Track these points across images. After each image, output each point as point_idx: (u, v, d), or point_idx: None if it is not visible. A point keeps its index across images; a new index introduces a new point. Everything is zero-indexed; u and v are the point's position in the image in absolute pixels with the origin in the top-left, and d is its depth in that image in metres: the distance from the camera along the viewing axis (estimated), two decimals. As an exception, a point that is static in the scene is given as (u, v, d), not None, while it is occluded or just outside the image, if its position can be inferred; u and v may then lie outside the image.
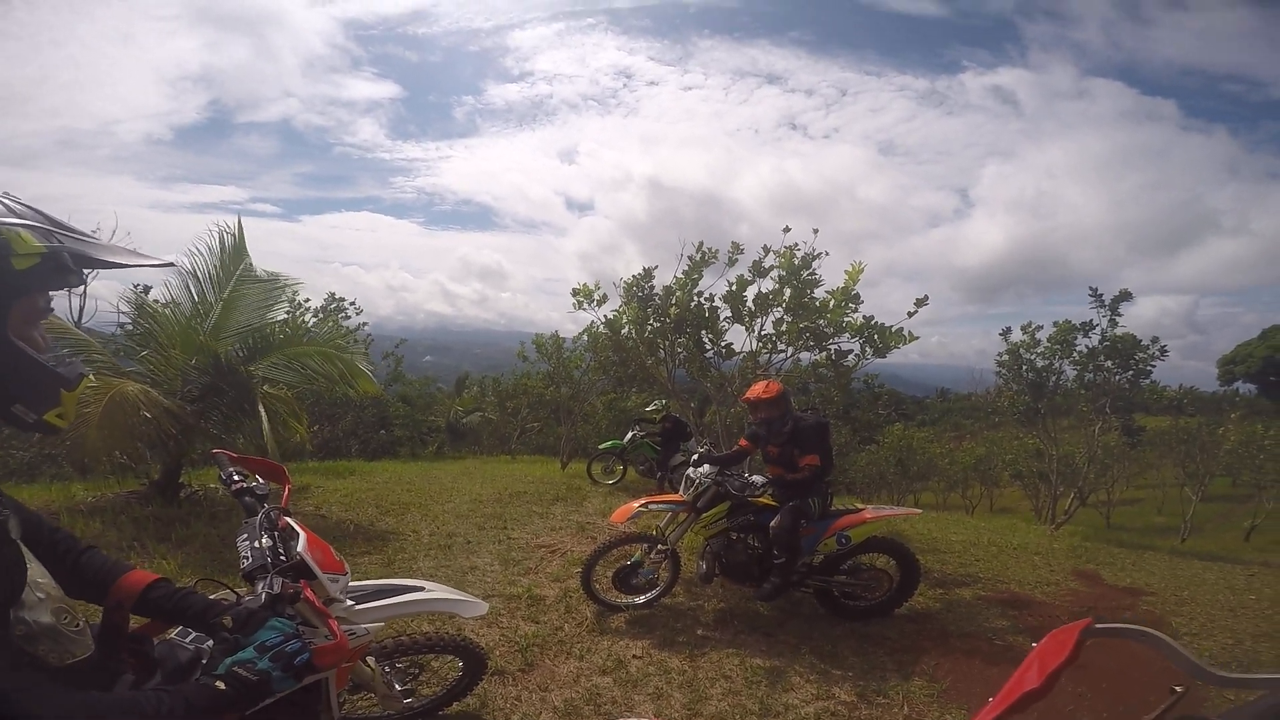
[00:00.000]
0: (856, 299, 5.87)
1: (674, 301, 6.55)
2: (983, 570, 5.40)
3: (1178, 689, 0.68)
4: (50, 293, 0.91)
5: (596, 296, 7.09)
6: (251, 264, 5.68)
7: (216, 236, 5.58)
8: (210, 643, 1.28)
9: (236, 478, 1.61)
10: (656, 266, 6.88)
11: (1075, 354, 8.34)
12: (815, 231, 6.14)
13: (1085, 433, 9.15)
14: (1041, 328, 8.71)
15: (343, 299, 13.40)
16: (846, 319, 5.92)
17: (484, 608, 2.26)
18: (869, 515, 4.01)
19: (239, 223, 5.66)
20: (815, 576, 3.99)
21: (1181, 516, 14.68)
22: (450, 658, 2.70)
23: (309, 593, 1.34)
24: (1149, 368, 8.09)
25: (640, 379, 8.55)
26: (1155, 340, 8.06)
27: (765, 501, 4.04)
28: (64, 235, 0.88)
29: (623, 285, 6.91)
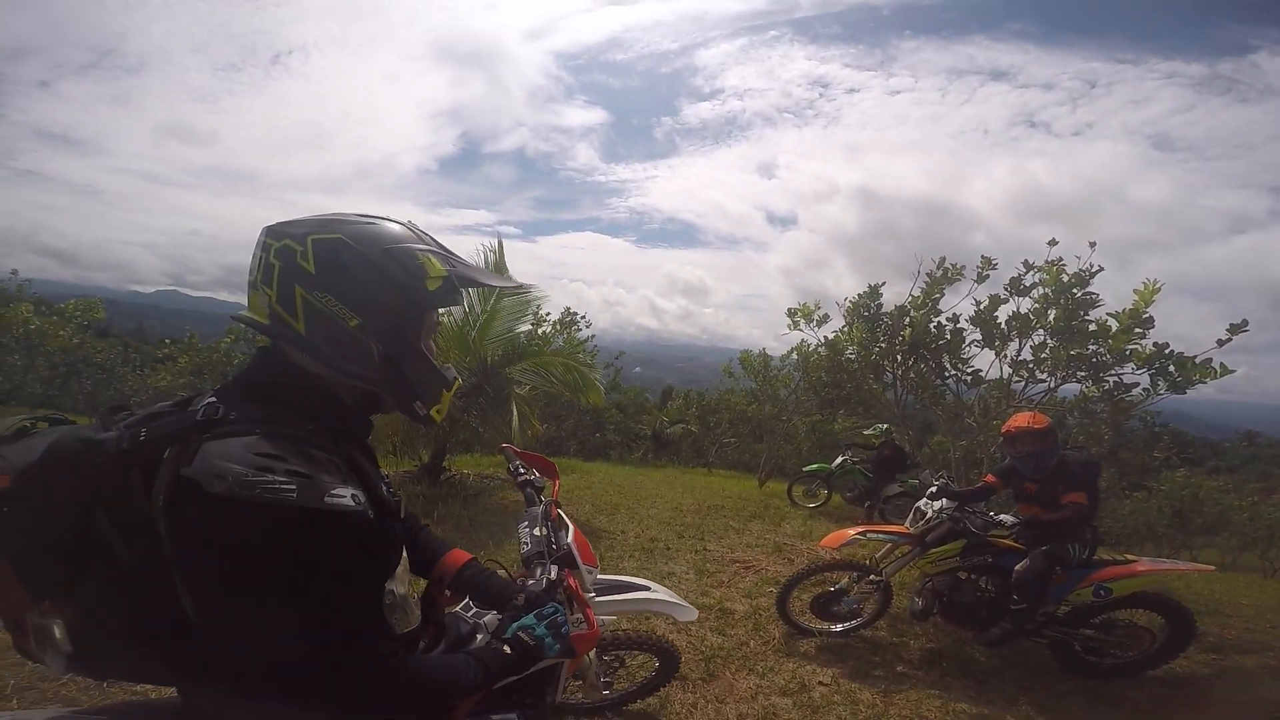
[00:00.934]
0: (1147, 323, 4.80)
1: (908, 322, 6.05)
2: (1277, 638, 4.30)
3: None
4: (440, 309, 1.08)
5: (817, 316, 6.84)
6: (511, 278, 6.71)
7: (481, 254, 6.71)
8: (485, 618, 1.48)
9: (522, 470, 1.83)
10: (884, 283, 6.41)
11: None
12: (1092, 245, 5.16)
13: None
14: None
15: (575, 313, 15.04)
16: (1131, 346, 4.86)
17: (695, 614, 2.32)
18: (1141, 568, 3.44)
19: (499, 243, 6.70)
20: (1055, 628, 3.51)
21: None
22: (647, 656, 2.84)
23: (572, 581, 1.53)
24: None
25: (854, 402, 8.04)
26: None
27: (1009, 544, 3.62)
28: (455, 261, 1.05)
29: (847, 304, 6.57)
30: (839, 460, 8.46)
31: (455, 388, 1.14)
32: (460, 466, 8.03)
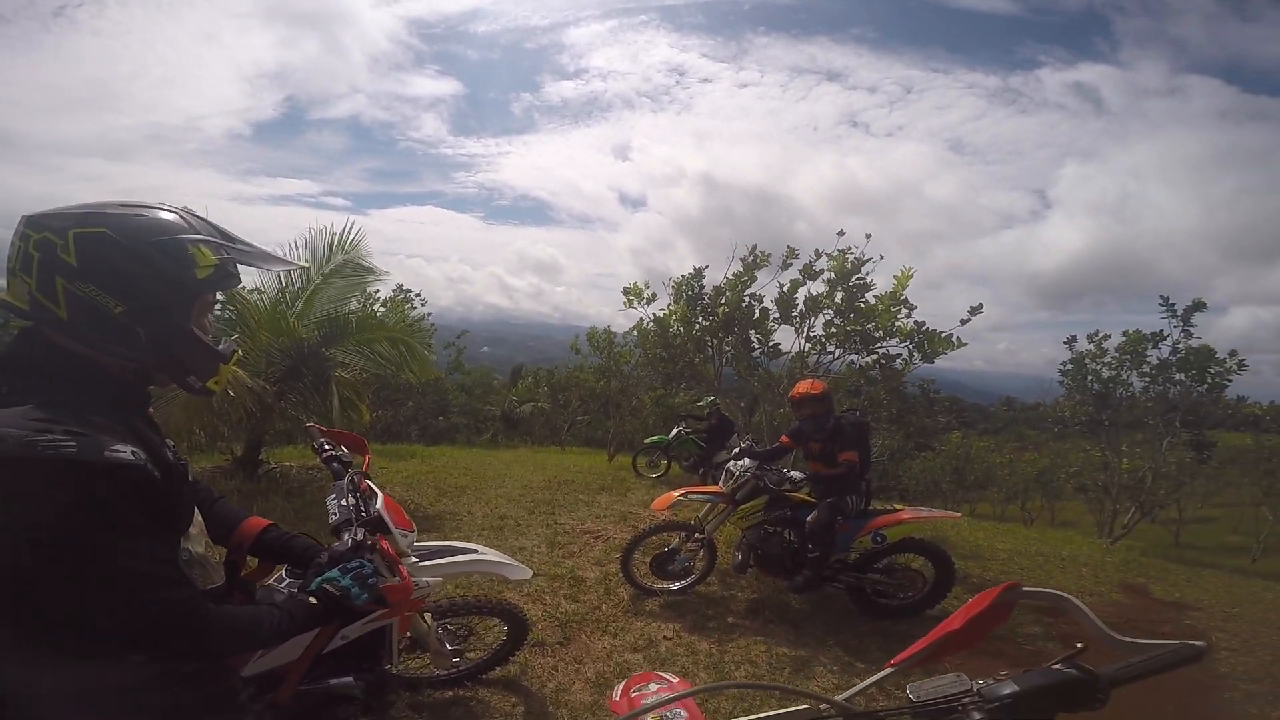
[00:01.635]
0: (906, 304, 5.84)
1: (723, 301, 6.67)
2: (1024, 578, 5.29)
3: (1079, 645, 0.81)
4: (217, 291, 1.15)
5: (646, 295, 7.28)
6: (359, 258, 6.22)
7: (314, 232, 6.15)
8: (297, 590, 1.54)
9: (327, 446, 1.87)
10: (707, 266, 7.03)
11: (1145, 366, 7.98)
12: (868, 237, 6.15)
13: (1153, 446, 8.78)
14: (1109, 337, 8.38)
15: (409, 290, 14.13)
16: (896, 323, 5.88)
17: (528, 573, 2.48)
18: (906, 516, 4.06)
19: (349, 222, 6.29)
20: (848, 573, 4.05)
21: (1255, 537, 13.87)
22: (495, 624, 2.94)
23: (384, 544, 1.58)
24: (1225, 381, 7.65)
25: (688, 376, 8.73)
26: (1234, 354, 7.63)
27: (802, 497, 4.14)
28: (229, 247, 1.10)
29: (672, 284, 7.08)
30: (675, 432, 9.13)
31: (234, 358, 1.19)
32: (281, 459, 7.30)
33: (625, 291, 7.36)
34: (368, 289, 6.67)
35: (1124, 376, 8.26)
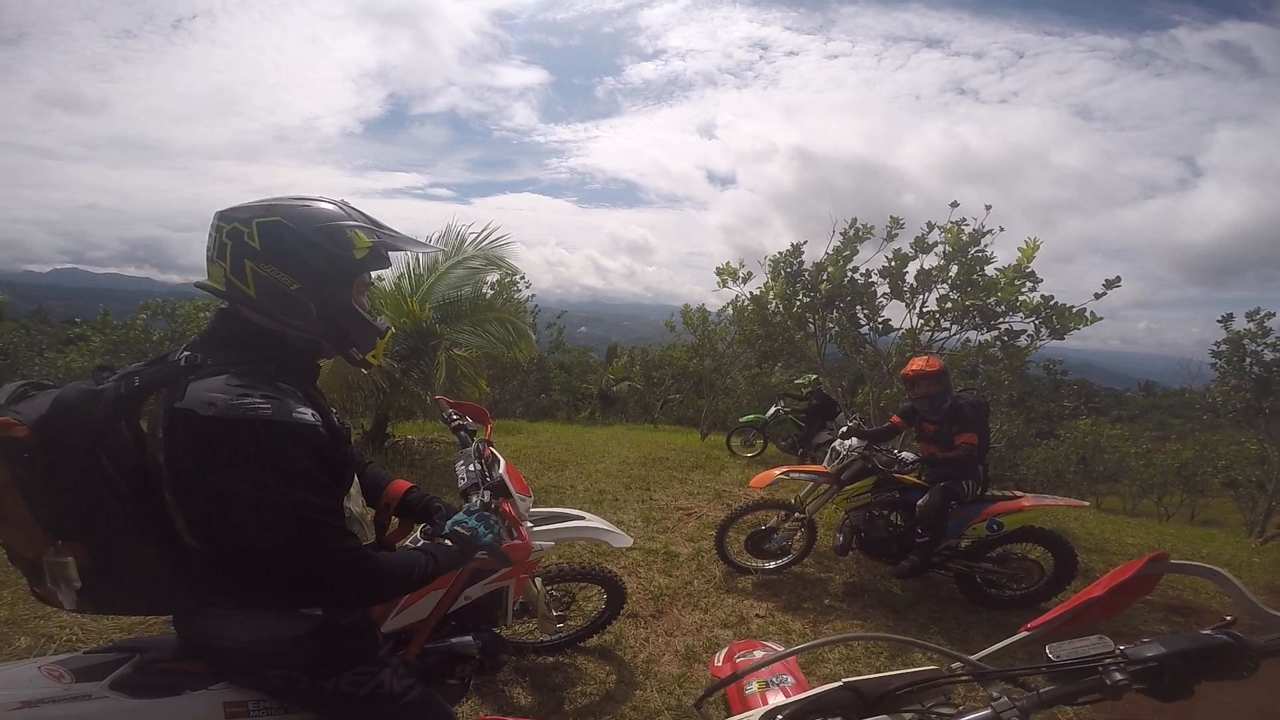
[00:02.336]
0: (1032, 277, 5.33)
1: (825, 277, 6.42)
2: None
3: (1228, 618, 0.76)
4: (372, 271, 1.29)
5: (742, 274, 7.15)
6: (499, 259, 6.74)
7: (449, 227, 6.74)
8: None
9: (454, 416, 2.01)
10: (805, 241, 6.78)
11: None
12: (987, 208, 5.66)
13: None
14: (1274, 315, 7.34)
15: (513, 274, 14.82)
16: (1021, 297, 5.39)
17: (629, 540, 2.58)
18: (1027, 503, 3.80)
19: (489, 225, 6.94)
20: (959, 560, 3.86)
21: None
22: (596, 592, 3.07)
23: (506, 507, 1.70)
24: None
25: (786, 354, 8.52)
26: None
27: (913, 480, 3.98)
28: (380, 232, 1.24)
29: (769, 261, 6.90)
30: (772, 410, 8.94)
31: (389, 336, 1.35)
32: (404, 433, 8.00)
33: (719, 272, 7.28)
34: (484, 277, 7.12)
35: (1290, 359, 7.23)
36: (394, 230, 1.29)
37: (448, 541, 1.37)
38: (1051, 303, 5.35)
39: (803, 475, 4.21)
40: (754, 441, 9.17)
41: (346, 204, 1.25)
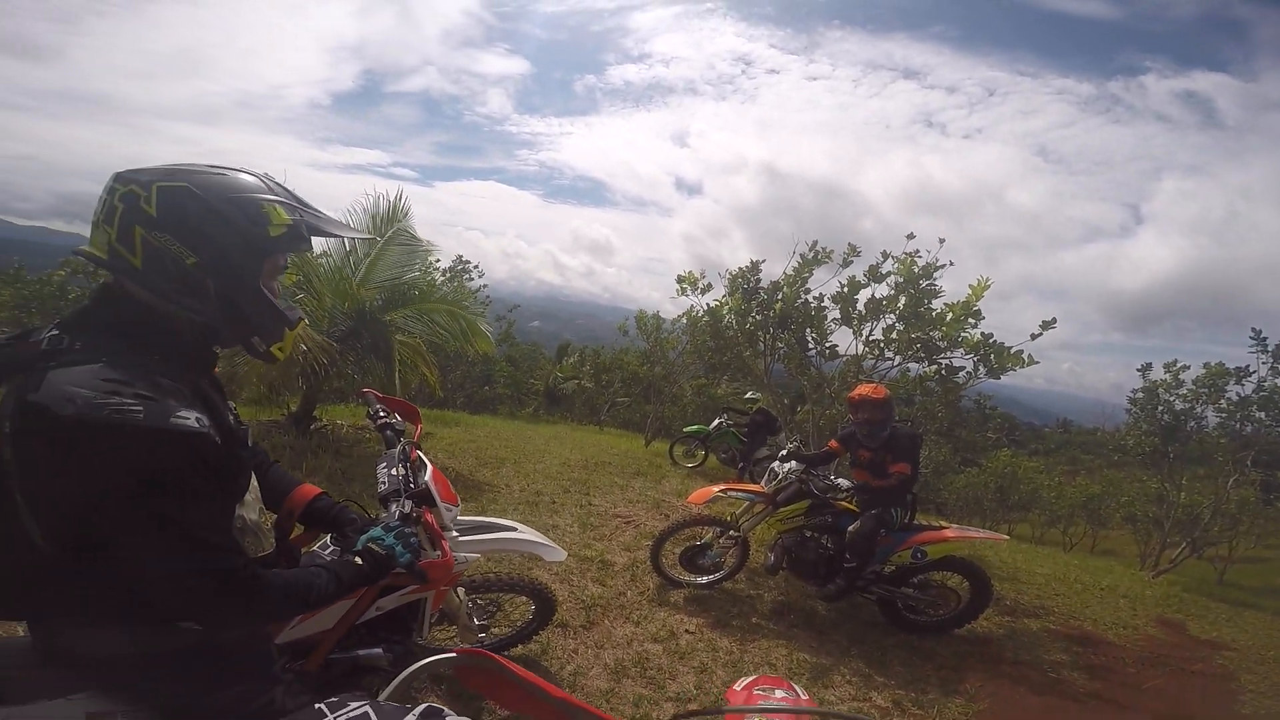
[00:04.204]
0: (977, 315, 5.57)
1: (780, 297, 6.52)
2: (1059, 605, 5.17)
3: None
4: (288, 253, 1.16)
5: (701, 284, 7.18)
6: (408, 228, 6.37)
7: (374, 200, 6.30)
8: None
9: (381, 413, 1.87)
10: (764, 260, 6.88)
11: (1223, 401, 7.65)
12: (941, 241, 5.87)
13: (1217, 483, 8.48)
14: (1188, 368, 8.03)
15: (468, 262, 14.44)
16: (963, 334, 5.63)
17: (563, 555, 2.49)
18: (950, 534, 3.96)
19: (400, 192, 6.42)
20: (882, 585, 3.98)
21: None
22: (523, 601, 2.96)
23: (429, 517, 1.59)
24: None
25: (734, 368, 8.61)
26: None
27: (845, 505, 4.06)
28: (303, 211, 1.12)
29: (728, 275, 6.96)
30: (716, 423, 9.01)
31: (299, 327, 1.20)
32: (334, 416, 7.61)
33: (680, 280, 7.29)
34: (427, 259, 6.83)
35: (1198, 410, 8.00)
36: (320, 211, 1.16)
37: (357, 559, 1.25)
38: (991, 341, 5.61)
39: (740, 494, 4.24)
40: (695, 452, 9.22)
41: (270, 176, 1.12)
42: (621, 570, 4.28)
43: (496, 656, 0.87)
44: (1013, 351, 5.50)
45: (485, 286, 14.54)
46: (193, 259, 1.02)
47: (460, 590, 2.40)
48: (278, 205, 1.08)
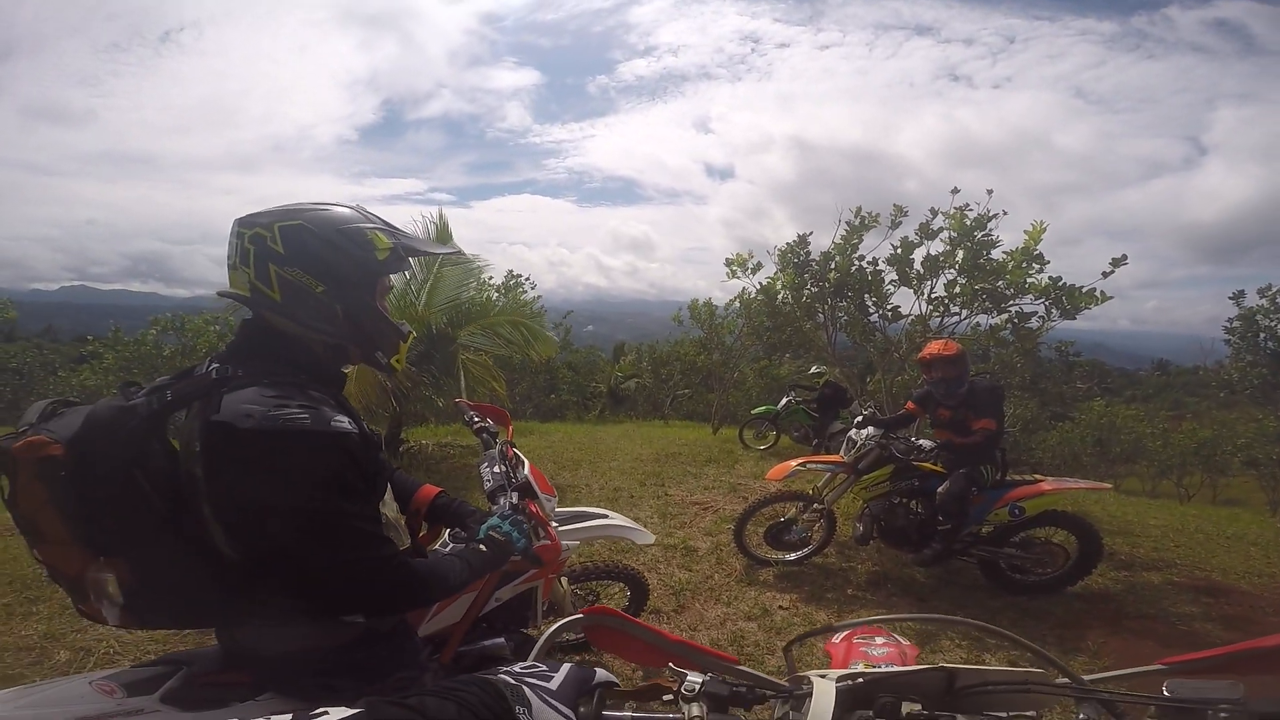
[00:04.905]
0: (1040, 259, 5.34)
1: (833, 266, 6.42)
2: (1180, 556, 4.79)
3: None
4: (392, 275, 1.27)
5: (751, 264, 7.15)
6: (457, 247, 6.70)
7: (422, 225, 6.62)
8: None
9: (476, 419, 2.01)
10: (811, 233, 6.78)
11: None
12: (989, 192, 5.66)
13: None
14: None
15: (519, 275, 14.85)
16: (1029, 280, 5.38)
17: (652, 538, 2.59)
18: (1047, 487, 3.79)
19: (440, 213, 6.71)
20: (981, 547, 3.86)
21: None
22: (618, 589, 3.09)
23: (533, 507, 1.70)
24: None
25: (795, 345, 8.50)
26: None
27: (931, 467, 3.97)
28: (399, 234, 1.23)
29: (777, 252, 6.91)
30: (784, 402, 8.90)
31: (410, 339, 1.34)
32: (418, 438, 8.05)
33: (728, 262, 7.29)
34: (481, 276, 7.12)
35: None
36: (409, 233, 1.27)
37: (481, 546, 1.36)
38: (1060, 284, 5.35)
39: (820, 465, 4.22)
40: (766, 434, 9.14)
41: (362, 207, 1.25)
42: (706, 555, 4.33)
43: (618, 612, 0.95)
44: (1084, 291, 5.27)
45: (539, 297, 14.90)
46: (320, 287, 1.14)
47: (564, 580, 2.54)
48: (378, 231, 1.20)
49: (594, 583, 2.94)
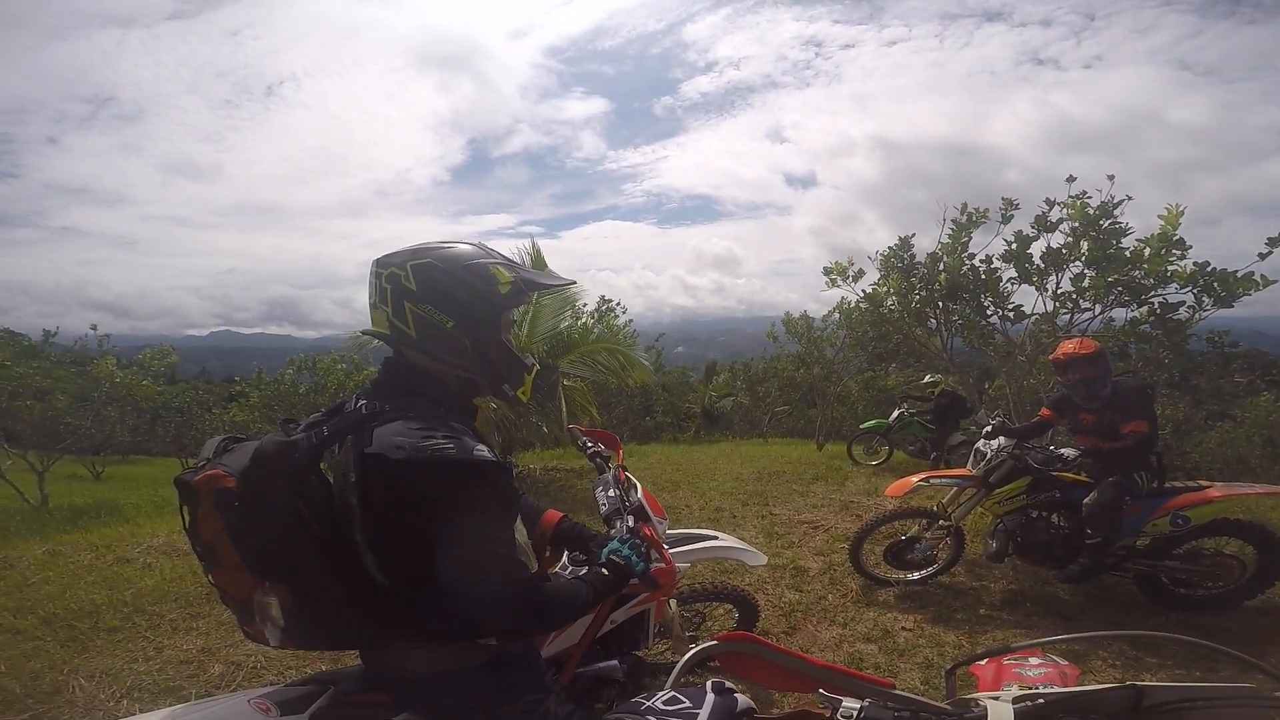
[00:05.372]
0: (1181, 244, 4.77)
1: (943, 267, 6.05)
2: None
3: None
4: (514, 308, 1.31)
5: (852, 272, 6.89)
6: (570, 279, 7.03)
7: (518, 256, 7.01)
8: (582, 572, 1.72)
9: (589, 444, 2.08)
10: (913, 234, 6.44)
11: None
12: (1111, 178, 5.15)
13: None
14: None
15: (610, 301, 15.28)
16: (1171, 267, 4.79)
17: (764, 559, 2.53)
18: (1216, 494, 3.35)
19: (534, 244, 7.08)
20: (1138, 560, 3.47)
21: None
22: (725, 610, 3.01)
23: (648, 530, 1.72)
24: None
25: (903, 354, 8.02)
26: None
27: (1073, 477, 3.62)
28: (518, 269, 1.28)
29: (879, 257, 6.60)
30: (895, 414, 8.41)
31: (535, 371, 1.39)
32: (526, 462, 8.39)
33: (827, 271, 7.06)
34: (575, 304, 7.37)
35: None
36: (527, 268, 1.33)
37: (604, 570, 1.38)
38: (1210, 269, 4.73)
39: (945, 480, 3.97)
40: (878, 449, 8.67)
41: (484, 244, 1.32)
42: (817, 575, 4.15)
43: (756, 637, 0.92)
44: (1241, 275, 4.64)
45: (630, 322, 15.22)
46: (451, 322, 1.20)
47: (673, 602, 2.51)
48: (500, 267, 1.26)
49: (700, 605, 2.89)
